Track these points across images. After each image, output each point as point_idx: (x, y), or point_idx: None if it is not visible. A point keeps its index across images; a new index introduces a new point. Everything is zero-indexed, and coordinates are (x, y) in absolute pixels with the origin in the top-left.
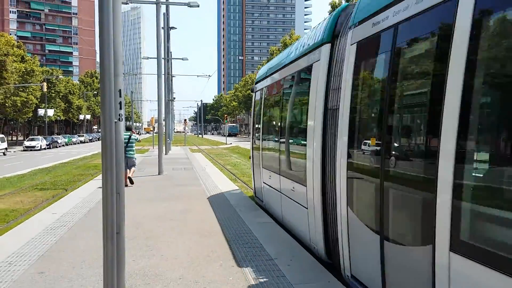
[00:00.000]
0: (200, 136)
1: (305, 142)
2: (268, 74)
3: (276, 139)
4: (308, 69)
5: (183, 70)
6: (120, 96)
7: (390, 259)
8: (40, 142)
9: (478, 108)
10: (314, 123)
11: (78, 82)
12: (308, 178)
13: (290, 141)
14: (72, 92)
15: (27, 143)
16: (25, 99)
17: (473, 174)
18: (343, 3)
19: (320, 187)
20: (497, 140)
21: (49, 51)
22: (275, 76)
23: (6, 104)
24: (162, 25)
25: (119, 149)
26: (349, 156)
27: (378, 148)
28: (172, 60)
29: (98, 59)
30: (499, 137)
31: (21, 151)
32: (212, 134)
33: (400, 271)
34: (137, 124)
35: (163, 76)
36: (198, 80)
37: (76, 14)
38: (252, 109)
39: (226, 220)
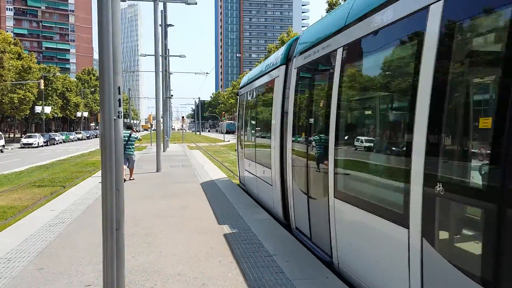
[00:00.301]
0: (198, 133)
1: (270, 137)
2: (247, 83)
3: (252, 135)
4: (272, 82)
5: (180, 67)
6: (119, 94)
7: (312, 211)
8: (38, 139)
9: (347, 111)
10: (275, 122)
11: (75, 79)
12: (272, 163)
13: (262, 136)
14: (69, 89)
15: (24, 140)
16: (22, 96)
17: (340, 147)
18: (340, 2)
19: (279, 169)
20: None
21: (46, 48)
22: (252, 85)
23: (3, 101)
24: (159, 22)
25: (118, 146)
26: (292, 146)
27: (305, 139)
28: (170, 57)
29: (95, 56)
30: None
31: (19, 148)
32: (210, 131)
33: (316, 216)
34: (135, 121)
35: (160, 73)
36: (196, 78)
37: (73, 11)
38: (237, 111)
39: (224, 217)
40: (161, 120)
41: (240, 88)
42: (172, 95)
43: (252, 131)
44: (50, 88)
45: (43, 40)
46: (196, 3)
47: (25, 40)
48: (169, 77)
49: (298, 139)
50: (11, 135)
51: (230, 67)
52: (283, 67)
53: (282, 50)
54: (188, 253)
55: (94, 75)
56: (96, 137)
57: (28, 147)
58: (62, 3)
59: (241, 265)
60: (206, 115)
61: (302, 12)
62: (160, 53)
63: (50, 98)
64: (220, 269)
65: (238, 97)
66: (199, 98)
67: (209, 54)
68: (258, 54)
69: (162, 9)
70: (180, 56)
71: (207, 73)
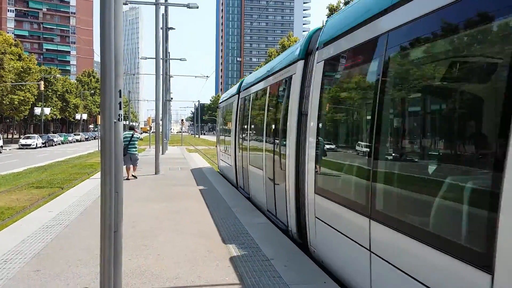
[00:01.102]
0: (197, 136)
1: (228, 135)
2: (222, 100)
3: (222, 135)
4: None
5: (181, 71)
6: (120, 97)
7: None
8: (36, 140)
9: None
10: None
11: (75, 81)
12: (231, 150)
13: (226, 134)
14: (69, 91)
15: (22, 141)
16: (22, 98)
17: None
18: (341, 6)
19: (234, 153)
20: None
21: (47, 50)
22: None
23: (3, 102)
24: (160, 25)
25: (118, 149)
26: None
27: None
28: (170, 60)
29: (96, 59)
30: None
31: (17, 149)
32: (205, 134)
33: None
34: (134, 124)
35: (161, 76)
36: (196, 81)
37: (74, 13)
38: (217, 118)
39: (223, 221)
40: (161, 122)
41: (220, 102)
42: (172, 98)
43: (223, 132)
44: (50, 90)
45: (43, 41)
46: (197, 7)
47: (25, 42)
48: (169, 80)
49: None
50: (10, 136)
51: (231, 70)
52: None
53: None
54: (186, 256)
55: (94, 77)
56: (94, 138)
57: (27, 148)
58: (63, 5)
59: (239, 269)
60: (205, 118)
61: (303, 17)
62: (161, 56)
63: (49, 99)
64: (218, 273)
65: (218, 109)
66: (198, 101)
67: (209, 58)
68: (258, 58)
69: (164, 12)
70: (180, 59)
71: (207, 76)
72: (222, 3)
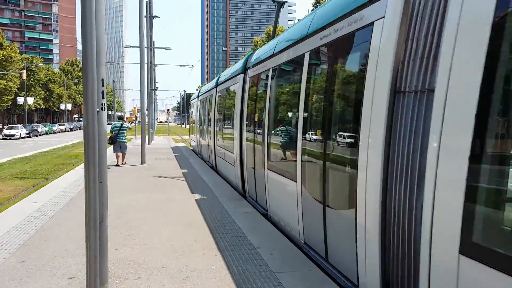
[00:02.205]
0: (184, 126)
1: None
2: (201, 94)
3: (199, 124)
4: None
5: (166, 60)
6: (103, 86)
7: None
8: (20, 130)
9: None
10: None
11: (58, 70)
12: (209, 135)
13: (205, 125)
14: (52, 80)
15: (6, 132)
16: (4, 87)
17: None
18: None
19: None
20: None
21: (29, 38)
22: (208, 93)
23: None
24: (144, 13)
25: (101, 139)
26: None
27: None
28: (155, 49)
29: (79, 47)
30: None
31: (0, 139)
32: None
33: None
34: (123, 114)
35: (145, 65)
36: (181, 70)
37: (56, 1)
38: (192, 109)
39: (209, 210)
40: (146, 112)
41: (191, 100)
42: (157, 88)
43: (201, 122)
44: (32, 79)
45: (25, 30)
46: None
47: (7, 30)
48: (154, 69)
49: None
50: None
51: (216, 60)
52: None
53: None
54: (172, 246)
55: (78, 66)
56: (79, 129)
57: (10, 139)
58: None
59: (225, 258)
60: None
61: (289, 6)
62: (145, 45)
63: (32, 89)
64: (204, 262)
65: (191, 103)
66: (184, 90)
67: (195, 47)
68: (244, 48)
69: (148, 0)
70: (165, 48)
71: (192, 65)
72: None
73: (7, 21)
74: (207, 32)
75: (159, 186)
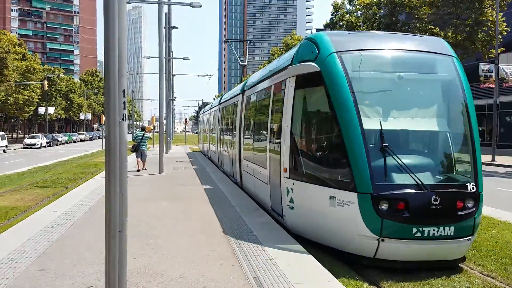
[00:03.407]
0: None
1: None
2: (212, 107)
3: (205, 133)
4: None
5: (184, 70)
6: (124, 96)
7: (226, 161)
8: (41, 140)
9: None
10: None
11: (78, 80)
12: (213, 141)
13: (223, 136)
14: (73, 90)
15: (27, 141)
16: (26, 97)
17: (212, 136)
18: (345, 4)
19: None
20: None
21: (50, 49)
22: (215, 109)
23: (8, 102)
24: (164, 24)
25: (122, 149)
26: (243, 136)
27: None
28: (174, 59)
29: (99, 58)
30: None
31: (21, 148)
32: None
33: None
34: (138, 123)
35: (164, 75)
36: (199, 80)
37: (77, 12)
38: (200, 123)
39: (227, 219)
40: (164, 122)
41: (200, 113)
42: (175, 97)
43: (206, 131)
44: (54, 89)
45: (47, 41)
46: (200, 6)
47: (29, 41)
48: (172, 79)
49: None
50: (14, 136)
51: (233, 69)
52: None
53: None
54: (189, 255)
55: (97, 76)
56: (99, 138)
57: (31, 148)
58: (66, 5)
59: (243, 269)
60: None
61: (306, 16)
62: (164, 55)
63: (53, 99)
64: (222, 272)
65: (199, 116)
66: (202, 100)
67: (212, 57)
68: (261, 57)
69: (167, 11)
70: (184, 58)
71: (210, 75)
72: (225, 2)
73: (30, 33)
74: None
75: (176, 196)
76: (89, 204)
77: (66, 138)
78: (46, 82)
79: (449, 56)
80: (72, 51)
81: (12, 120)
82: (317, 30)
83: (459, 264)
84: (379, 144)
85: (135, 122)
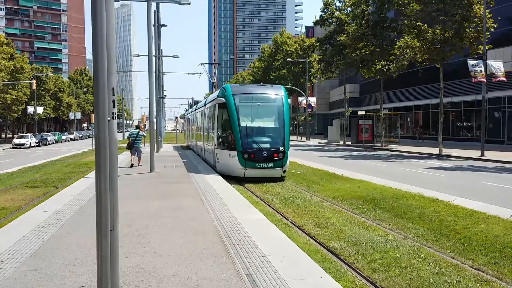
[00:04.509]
0: None
1: (209, 133)
2: (188, 113)
3: (193, 132)
4: (213, 108)
5: (174, 68)
6: (113, 95)
7: (205, 151)
8: (30, 139)
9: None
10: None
11: (67, 79)
12: (205, 139)
13: (196, 132)
14: (61, 89)
15: (16, 141)
16: (14, 97)
17: (190, 132)
18: (335, 1)
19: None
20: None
21: (38, 48)
22: (190, 114)
23: None
24: (153, 22)
25: (112, 147)
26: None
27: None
28: (163, 57)
29: (88, 56)
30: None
31: (10, 148)
32: None
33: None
34: (128, 122)
35: (154, 73)
36: (189, 78)
37: (65, 11)
38: (183, 124)
39: (218, 217)
40: (155, 120)
41: (181, 117)
42: (165, 96)
43: (189, 132)
44: (42, 89)
45: (35, 40)
46: (189, 4)
47: (17, 40)
48: (162, 78)
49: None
50: (3, 136)
51: (224, 67)
52: (202, 107)
53: (217, 93)
54: (182, 253)
55: (86, 75)
56: (88, 137)
57: (20, 148)
58: (54, 3)
59: (235, 265)
60: None
61: (296, 13)
62: (154, 53)
63: (42, 98)
64: (215, 270)
65: (182, 119)
66: (192, 98)
67: (202, 55)
68: (251, 55)
69: (155, 9)
70: (173, 56)
71: (200, 73)
72: (214, 0)
73: (17, 32)
74: (214, 39)
75: (168, 194)
76: (80, 204)
77: (56, 137)
78: (34, 81)
79: (281, 95)
80: (61, 49)
81: (1, 120)
82: (307, 27)
83: (282, 177)
84: (245, 132)
85: (125, 121)
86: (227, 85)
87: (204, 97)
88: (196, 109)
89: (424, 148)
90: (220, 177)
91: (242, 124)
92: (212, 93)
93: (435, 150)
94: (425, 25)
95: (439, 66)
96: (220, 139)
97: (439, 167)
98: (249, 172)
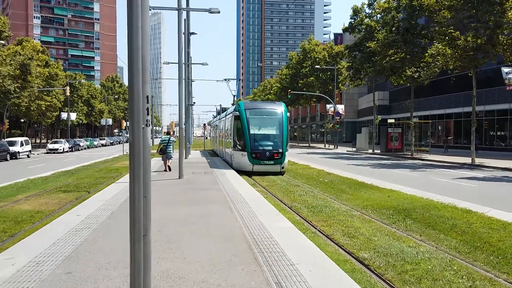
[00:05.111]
0: None
1: (227, 139)
2: (213, 122)
3: (217, 138)
4: (230, 119)
5: (202, 75)
6: (147, 103)
7: (225, 153)
8: (63, 145)
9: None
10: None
11: (99, 86)
12: (225, 144)
13: (219, 138)
14: (94, 96)
15: (50, 146)
16: (49, 103)
17: (214, 138)
18: (365, 8)
19: (219, 145)
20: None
21: (72, 55)
22: (215, 122)
23: (31, 108)
24: (183, 30)
25: (146, 154)
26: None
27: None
28: (192, 65)
29: (119, 64)
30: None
31: (44, 153)
32: None
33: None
34: (157, 128)
35: (183, 81)
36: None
37: (98, 19)
38: (208, 130)
39: (247, 226)
40: (184, 127)
41: (208, 124)
42: (194, 103)
43: (214, 136)
44: (75, 95)
45: (69, 47)
46: (219, 12)
47: (51, 48)
48: (191, 85)
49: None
50: (38, 141)
51: (252, 74)
52: (236, 113)
53: (233, 108)
54: (211, 260)
55: (117, 82)
56: (119, 143)
57: (54, 153)
58: (87, 12)
59: (265, 273)
60: None
61: (324, 20)
62: (183, 61)
63: (75, 104)
64: (244, 277)
65: (208, 126)
66: (220, 105)
67: (231, 62)
68: (279, 62)
69: (185, 17)
70: (202, 64)
71: (228, 80)
72: (242, 7)
73: (52, 39)
74: (242, 47)
75: (197, 200)
76: (111, 209)
77: (88, 143)
78: (68, 88)
79: (281, 110)
80: (93, 57)
81: (36, 125)
82: (335, 34)
83: (281, 171)
84: (253, 137)
85: (154, 127)
86: (240, 101)
87: (232, 104)
88: (219, 119)
89: (456, 157)
90: (234, 171)
91: (251, 131)
92: (233, 104)
93: (467, 160)
94: (457, 32)
95: (471, 74)
96: (235, 143)
97: (472, 177)
98: (255, 168)
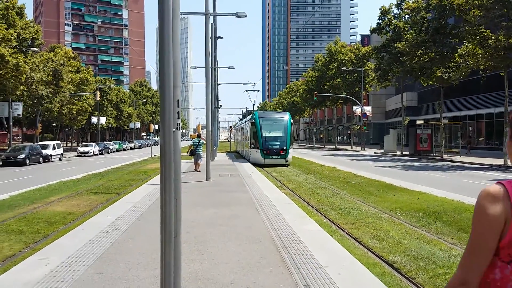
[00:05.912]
0: None
1: (246, 141)
2: (236, 126)
3: (239, 140)
4: (248, 125)
5: (228, 78)
6: (178, 106)
7: (244, 151)
8: (93, 148)
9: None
10: (249, 136)
11: (128, 90)
12: (245, 145)
13: (241, 140)
14: (123, 100)
15: (81, 149)
16: (80, 108)
17: (237, 140)
18: (393, 8)
19: (240, 145)
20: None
21: (102, 61)
22: (238, 126)
23: (63, 112)
24: (210, 35)
25: (176, 157)
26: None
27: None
28: (219, 68)
29: (147, 68)
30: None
31: (75, 156)
32: None
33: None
34: (184, 131)
35: (210, 84)
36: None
37: (126, 26)
38: (233, 133)
39: (275, 228)
40: (210, 129)
41: (232, 127)
42: (220, 106)
43: (238, 139)
44: (105, 100)
45: (99, 53)
46: (246, 16)
47: (82, 54)
48: (217, 88)
49: (251, 139)
50: (69, 144)
51: (277, 77)
52: (252, 120)
53: (250, 116)
54: (239, 261)
55: (146, 86)
56: (147, 146)
57: (84, 156)
58: (116, 18)
59: (293, 275)
60: None
61: (350, 21)
62: (210, 65)
63: (105, 109)
64: (272, 279)
65: (232, 128)
66: (246, 108)
67: (256, 65)
68: (305, 64)
69: (212, 22)
70: (229, 67)
71: (254, 83)
72: (268, 11)
73: (83, 46)
74: (268, 50)
75: (224, 202)
76: (140, 210)
77: (117, 146)
78: (98, 93)
79: (286, 118)
80: (122, 62)
81: (67, 129)
82: (362, 35)
83: (286, 164)
84: (265, 139)
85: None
86: (255, 111)
87: (258, 107)
88: (240, 124)
89: (487, 159)
90: (250, 164)
91: (263, 134)
92: (258, 107)
93: (499, 162)
94: (488, 31)
95: (503, 73)
96: (251, 143)
97: (504, 180)
98: (266, 161)
